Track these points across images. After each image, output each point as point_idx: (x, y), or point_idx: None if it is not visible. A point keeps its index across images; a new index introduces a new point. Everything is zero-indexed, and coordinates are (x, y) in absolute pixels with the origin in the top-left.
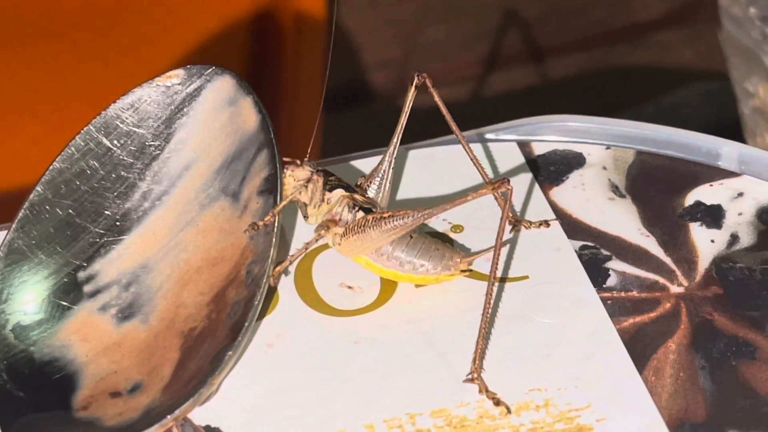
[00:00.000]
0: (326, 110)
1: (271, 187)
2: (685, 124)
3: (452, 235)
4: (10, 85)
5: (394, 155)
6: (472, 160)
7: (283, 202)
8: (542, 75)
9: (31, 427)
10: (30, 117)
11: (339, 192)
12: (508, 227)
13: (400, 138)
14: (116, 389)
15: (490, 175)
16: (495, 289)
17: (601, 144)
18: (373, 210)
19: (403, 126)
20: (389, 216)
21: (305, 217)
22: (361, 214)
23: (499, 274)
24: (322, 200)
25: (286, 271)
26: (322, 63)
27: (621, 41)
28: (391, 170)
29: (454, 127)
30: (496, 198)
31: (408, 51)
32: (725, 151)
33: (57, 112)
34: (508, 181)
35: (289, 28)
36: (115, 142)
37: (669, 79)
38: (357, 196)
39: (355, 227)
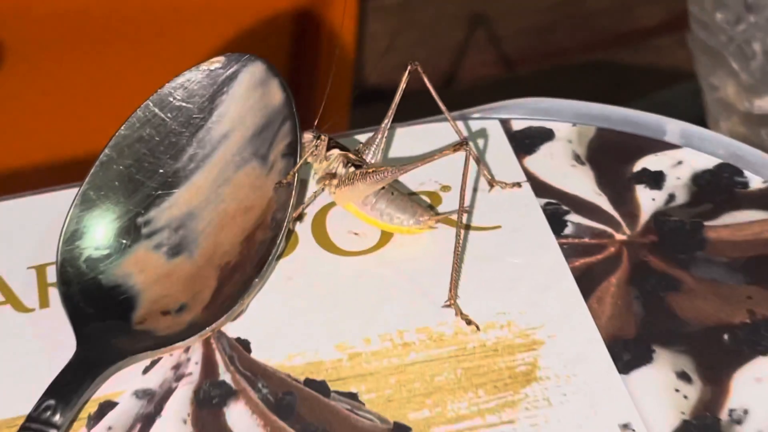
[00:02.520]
0: (355, 105)
1: (292, 151)
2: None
3: (441, 194)
4: (79, 78)
5: (388, 126)
6: (452, 126)
7: (300, 163)
8: (551, 75)
9: (99, 332)
10: (96, 107)
11: (336, 151)
12: (487, 186)
13: (393, 113)
14: (166, 309)
15: (476, 147)
16: (463, 233)
17: (568, 122)
18: (362, 167)
19: (397, 103)
20: (373, 171)
21: (315, 172)
22: (352, 169)
23: (478, 224)
24: (324, 158)
25: (300, 217)
26: (352, 63)
27: (623, 45)
28: (383, 139)
29: (441, 105)
30: (477, 162)
31: (430, 53)
32: (670, 127)
33: (119, 101)
34: (467, 143)
35: (324, 31)
36: (168, 114)
37: (664, 78)
38: (350, 155)
39: (346, 179)
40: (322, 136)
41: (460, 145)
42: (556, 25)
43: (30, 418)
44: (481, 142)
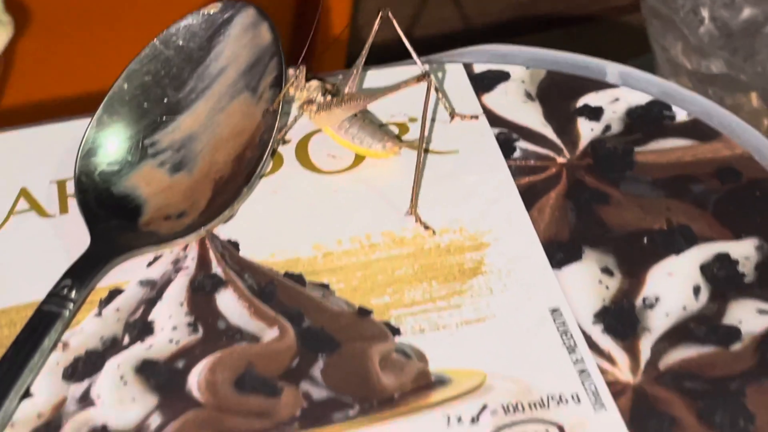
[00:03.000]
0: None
1: (278, 83)
2: None
3: (409, 124)
4: (97, 31)
5: (362, 64)
6: (417, 61)
7: (283, 91)
8: (529, 44)
9: (109, 230)
10: (111, 52)
11: (315, 82)
12: (448, 117)
13: (366, 52)
14: (168, 215)
15: (441, 86)
16: (423, 154)
17: (522, 65)
18: (338, 95)
19: (370, 44)
20: (347, 99)
21: (297, 100)
22: (329, 97)
23: (439, 149)
24: (304, 88)
25: (285, 140)
26: (347, 31)
27: (597, 21)
28: (358, 75)
29: (407, 44)
30: (437, 92)
31: (419, 27)
32: (609, 69)
33: (131, 46)
34: (429, 74)
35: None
36: (172, 52)
37: (632, 50)
38: (327, 85)
39: (324, 105)
40: (301, 66)
41: (423, 76)
42: (535, 2)
43: (50, 293)
44: (445, 81)
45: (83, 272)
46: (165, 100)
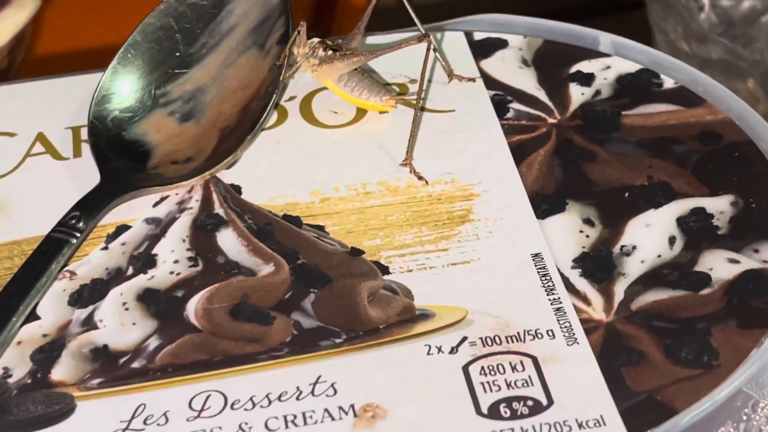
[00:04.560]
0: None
1: (285, 40)
2: None
3: (409, 85)
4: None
5: (365, 24)
6: (416, 22)
7: (288, 46)
8: None
9: (119, 169)
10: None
11: (315, 39)
12: (446, 78)
13: (369, 14)
14: (175, 159)
15: (441, 51)
16: (421, 112)
17: (521, 34)
18: (340, 50)
19: (373, 5)
20: (350, 54)
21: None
22: (330, 51)
23: (436, 107)
24: (305, 45)
25: (287, 79)
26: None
27: (609, 15)
28: (360, 35)
29: (411, 12)
30: (435, 52)
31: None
32: (603, 39)
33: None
34: (428, 35)
35: None
36: (186, 9)
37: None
38: (328, 41)
39: (326, 59)
40: (302, 23)
41: (423, 36)
42: None
43: (59, 223)
44: (446, 46)
45: (91, 205)
46: (177, 54)
